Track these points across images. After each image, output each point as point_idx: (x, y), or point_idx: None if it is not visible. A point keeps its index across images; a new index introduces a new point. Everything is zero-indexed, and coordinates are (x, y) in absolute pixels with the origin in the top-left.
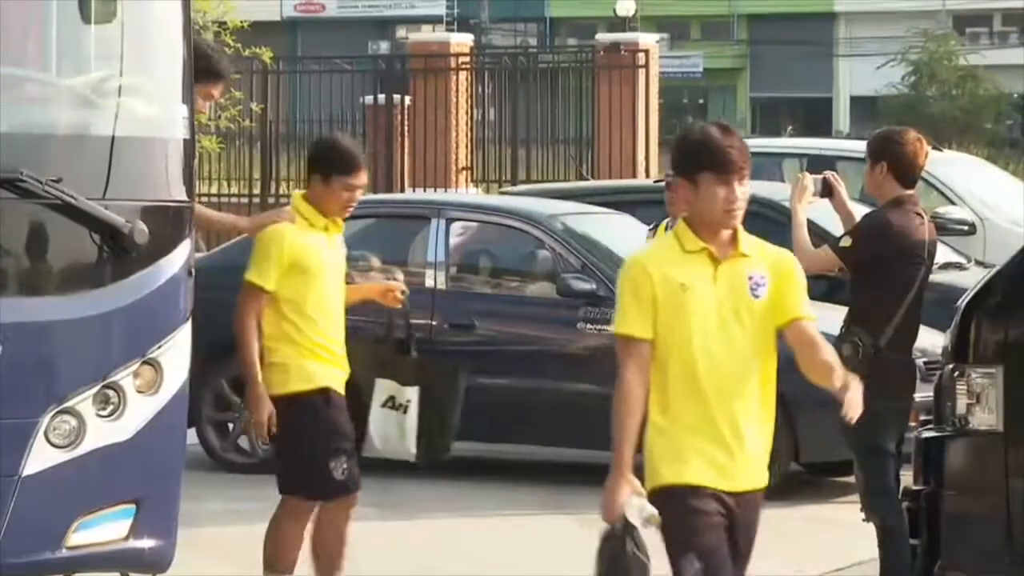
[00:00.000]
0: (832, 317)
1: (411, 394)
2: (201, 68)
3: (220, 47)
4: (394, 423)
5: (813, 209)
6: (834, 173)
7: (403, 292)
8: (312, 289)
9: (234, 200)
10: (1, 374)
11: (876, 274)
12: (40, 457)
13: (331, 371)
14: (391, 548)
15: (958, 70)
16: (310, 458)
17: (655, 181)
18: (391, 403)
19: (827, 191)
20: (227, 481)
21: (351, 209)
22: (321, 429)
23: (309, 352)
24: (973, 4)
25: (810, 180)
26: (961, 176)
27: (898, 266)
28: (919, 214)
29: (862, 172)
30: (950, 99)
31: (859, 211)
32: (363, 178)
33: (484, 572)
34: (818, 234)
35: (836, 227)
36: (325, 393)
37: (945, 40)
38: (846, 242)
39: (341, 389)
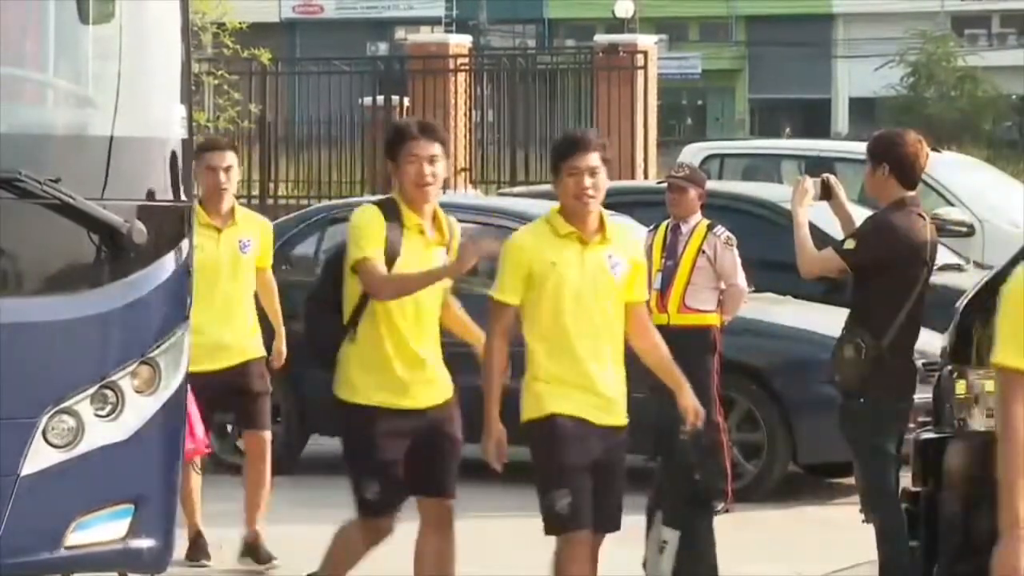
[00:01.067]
0: (834, 318)
1: (668, 535)
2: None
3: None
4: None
5: (813, 212)
6: (832, 176)
7: (700, 417)
8: (544, 306)
9: None
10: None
11: (879, 276)
12: (38, 457)
13: (565, 397)
14: (389, 548)
15: (956, 71)
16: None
17: (658, 182)
18: (661, 547)
19: (826, 193)
20: (226, 483)
21: (588, 201)
22: (539, 462)
23: (537, 377)
24: (971, 6)
25: (811, 183)
26: (960, 177)
27: (901, 267)
28: (921, 215)
29: (861, 174)
30: (948, 100)
31: (858, 213)
32: (588, 160)
33: (482, 572)
34: (818, 237)
35: (836, 229)
36: (551, 420)
37: (943, 41)
38: (850, 244)
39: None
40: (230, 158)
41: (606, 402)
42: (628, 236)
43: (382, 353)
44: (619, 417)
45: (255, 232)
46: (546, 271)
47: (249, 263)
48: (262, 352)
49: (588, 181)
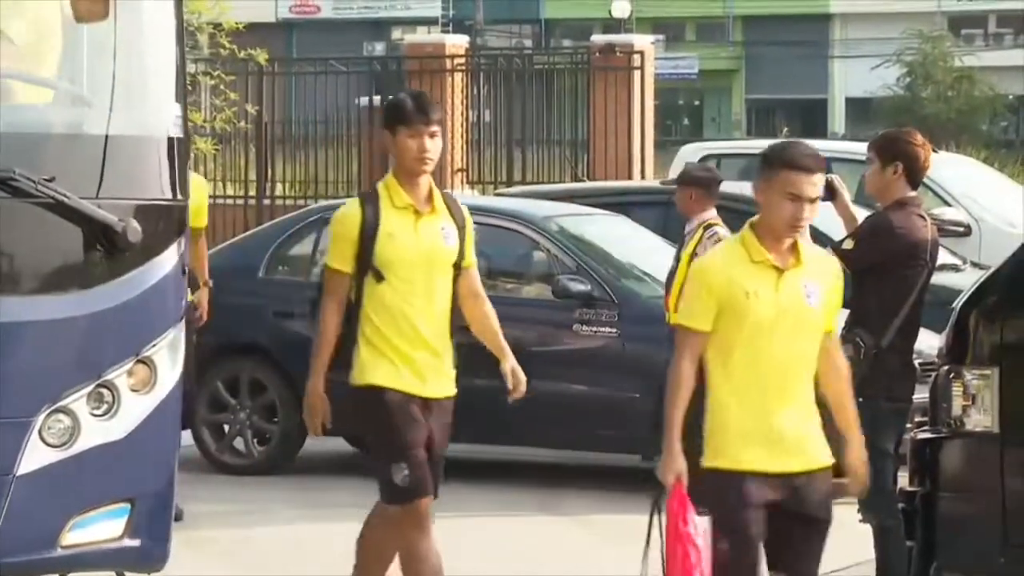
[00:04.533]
0: None
1: None
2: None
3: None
4: None
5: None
6: (837, 176)
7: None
8: None
9: (229, 202)
10: None
11: (878, 275)
12: (34, 456)
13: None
14: None
15: (953, 71)
16: None
17: (662, 182)
18: None
19: (830, 194)
20: (222, 482)
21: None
22: None
23: None
24: (968, 6)
25: None
26: (957, 177)
27: (900, 267)
28: (921, 215)
29: (857, 174)
30: (945, 100)
31: (861, 214)
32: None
33: (479, 572)
34: (817, 238)
35: (834, 230)
36: None
37: (940, 41)
38: (848, 244)
39: None
40: (818, 182)
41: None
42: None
43: None
44: None
45: (824, 276)
46: None
47: (817, 322)
48: (829, 457)
49: (807, 211)
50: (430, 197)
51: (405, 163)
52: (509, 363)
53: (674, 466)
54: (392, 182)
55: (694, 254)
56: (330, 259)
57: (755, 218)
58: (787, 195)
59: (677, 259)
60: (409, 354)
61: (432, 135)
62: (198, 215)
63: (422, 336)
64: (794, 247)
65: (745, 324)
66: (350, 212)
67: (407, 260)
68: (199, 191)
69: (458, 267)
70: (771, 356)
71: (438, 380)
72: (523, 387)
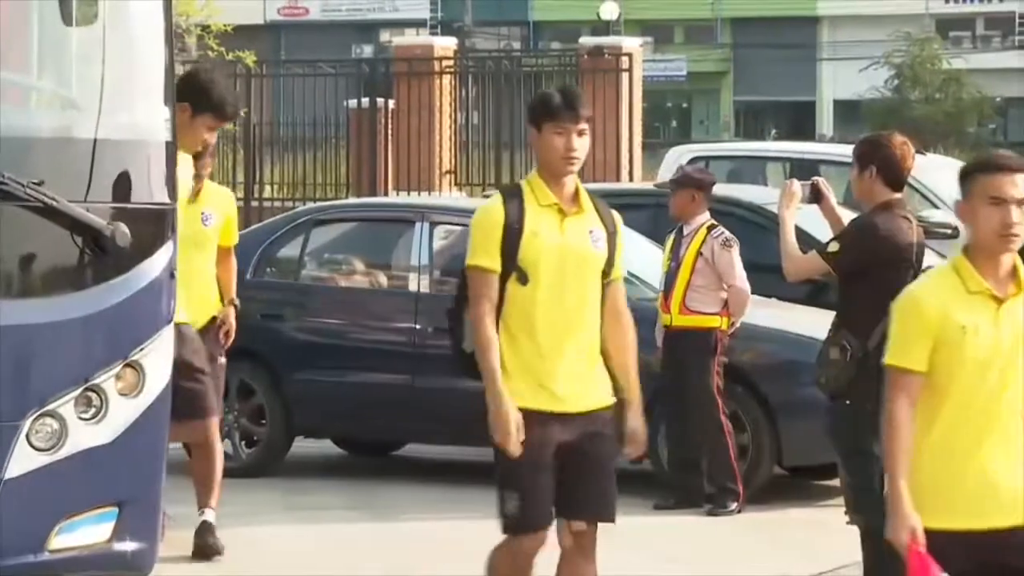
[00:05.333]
0: (819, 320)
1: None
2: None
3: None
4: None
5: (802, 214)
6: (823, 179)
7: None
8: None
9: None
10: None
11: (863, 278)
12: (22, 460)
13: None
14: (372, 549)
15: (941, 74)
16: None
17: (656, 185)
18: None
19: (815, 196)
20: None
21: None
22: None
23: None
24: (956, 8)
25: (798, 186)
26: (944, 180)
27: (886, 270)
28: (906, 217)
29: (845, 176)
30: (933, 103)
31: (846, 216)
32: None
33: (468, 573)
34: (805, 240)
35: (823, 233)
36: None
37: (928, 44)
38: (834, 247)
39: None
40: (1021, 183)
41: None
42: None
43: None
44: None
45: None
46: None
47: None
48: None
49: (1016, 215)
50: (576, 196)
51: (550, 162)
52: (629, 422)
53: (906, 522)
54: (536, 180)
55: (699, 253)
56: (475, 258)
57: (967, 242)
58: (988, 200)
59: (677, 262)
60: (546, 366)
61: (580, 133)
62: (227, 232)
63: (567, 345)
64: (1014, 271)
65: (957, 363)
66: (493, 207)
67: (553, 261)
68: (229, 205)
69: (605, 275)
70: (984, 397)
71: (585, 392)
72: (640, 448)
